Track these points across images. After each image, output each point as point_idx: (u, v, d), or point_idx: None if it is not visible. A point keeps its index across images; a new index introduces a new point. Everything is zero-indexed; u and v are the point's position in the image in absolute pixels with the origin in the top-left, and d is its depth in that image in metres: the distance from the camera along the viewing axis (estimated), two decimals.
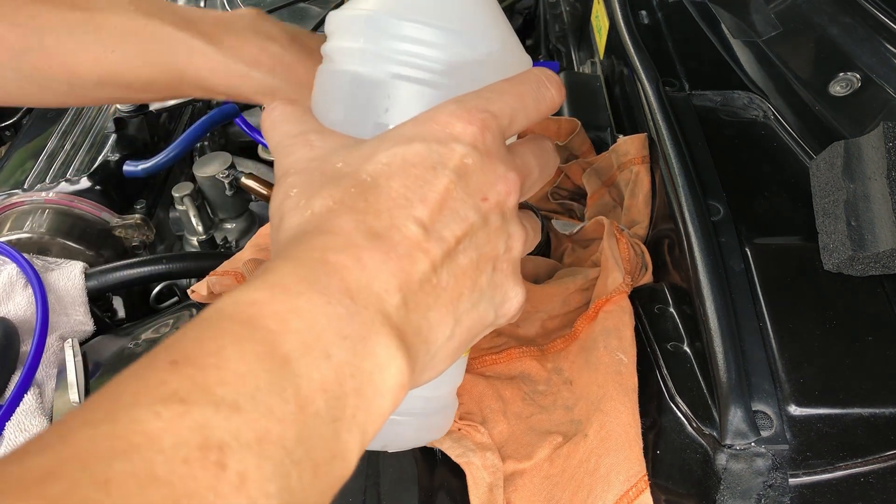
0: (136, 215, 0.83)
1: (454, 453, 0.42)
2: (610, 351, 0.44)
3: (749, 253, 0.44)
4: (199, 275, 0.77)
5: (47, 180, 0.85)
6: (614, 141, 0.59)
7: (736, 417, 0.37)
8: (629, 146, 0.57)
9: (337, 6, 0.75)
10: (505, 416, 0.44)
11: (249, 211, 0.93)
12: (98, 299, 0.69)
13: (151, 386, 0.21)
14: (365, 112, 0.34)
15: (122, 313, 0.79)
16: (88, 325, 0.63)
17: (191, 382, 0.21)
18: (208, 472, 0.19)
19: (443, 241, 0.29)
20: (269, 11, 1.06)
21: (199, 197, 0.87)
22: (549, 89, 0.34)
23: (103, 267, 0.68)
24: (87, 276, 0.66)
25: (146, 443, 0.19)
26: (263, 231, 0.63)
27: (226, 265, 0.57)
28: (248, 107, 0.97)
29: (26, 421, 0.51)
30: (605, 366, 0.43)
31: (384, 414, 0.26)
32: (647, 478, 0.39)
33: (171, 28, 0.45)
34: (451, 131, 0.30)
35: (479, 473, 0.41)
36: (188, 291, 0.58)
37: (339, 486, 0.25)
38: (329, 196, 0.29)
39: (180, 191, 0.85)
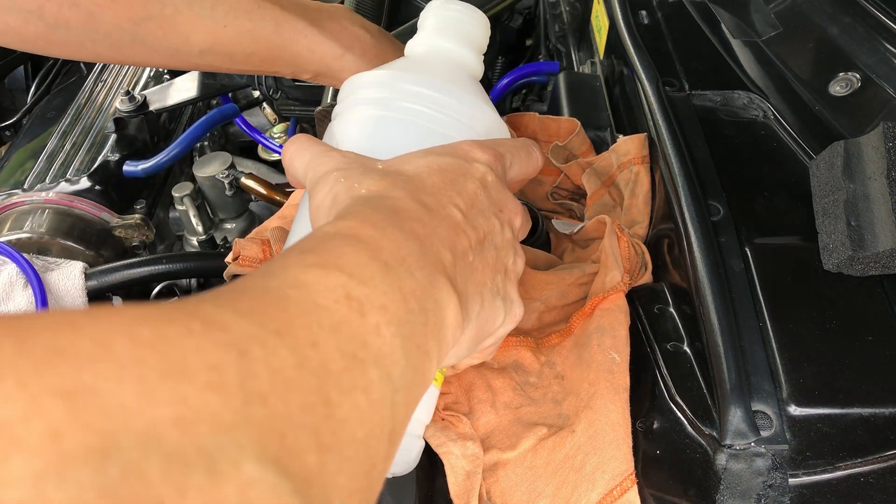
0: (136, 215, 0.83)
1: (435, 443, 0.42)
2: (603, 349, 0.44)
3: (749, 253, 0.44)
4: (199, 275, 0.77)
5: (47, 180, 0.85)
6: (614, 141, 0.59)
7: (736, 417, 0.37)
8: (629, 146, 0.57)
9: None
10: (493, 407, 0.44)
11: (249, 211, 0.93)
12: (98, 299, 0.69)
13: (290, 264, 0.25)
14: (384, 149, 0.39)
15: None
16: None
17: (323, 262, 0.25)
18: (353, 313, 0.23)
19: (475, 230, 0.33)
20: None
21: (199, 197, 0.87)
22: (536, 153, 0.42)
23: (103, 267, 0.68)
24: (87, 276, 0.66)
25: (306, 284, 0.23)
26: (291, 201, 0.64)
27: (253, 233, 0.58)
28: (247, 107, 0.97)
29: None
30: (598, 363, 0.43)
31: (447, 346, 0.29)
32: (634, 476, 0.39)
33: (282, 10, 0.51)
34: (473, 155, 0.36)
35: (458, 462, 0.41)
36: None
37: (421, 395, 0.28)
38: (378, 181, 0.32)
39: (180, 191, 0.85)
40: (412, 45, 0.47)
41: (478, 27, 0.47)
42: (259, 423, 0.17)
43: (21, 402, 0.13)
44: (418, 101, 0.41)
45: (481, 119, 0.43)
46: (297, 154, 0.37)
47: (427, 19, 0.47)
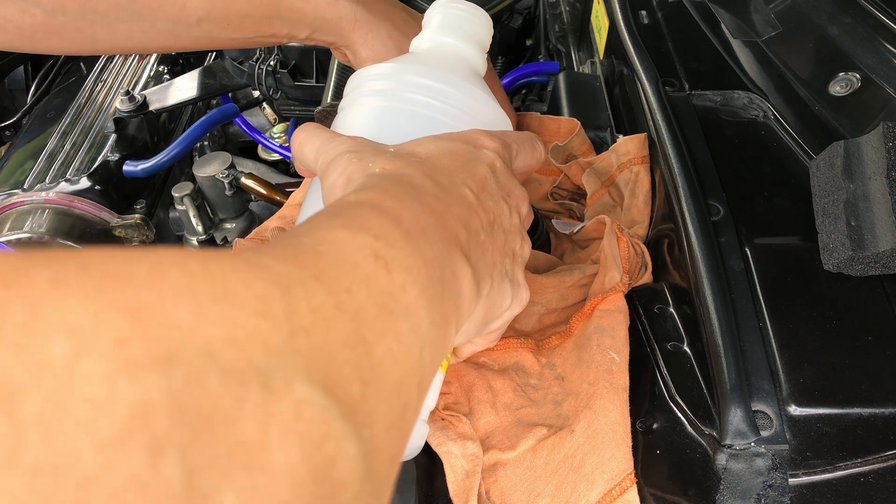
0: (136, 215, 0.83)
1: (435, 442, 0.42)
2: (603, 349, 0.44)
3: (749, 253, 0.44)
4: None
5: (47, 180, 0.85)
6: (614, 141, 0.59)
7: (736, 417, 0.37)
8: (629, 146, 0.57)
9: None
10: (493, 407, 0.44)
11: (249, 211, 0.93)
12: None
13: (319, 225, 0.26)
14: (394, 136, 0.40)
15: None
16: None
17: (350, 224, 0.26)
18: (381, 270, 0.24)
19: (486, 212, 0.33)
20: None
21: (198, 197, 0.87)
22: (540, 146, 0.42)
23: None
24: None
25: (336, 241, 0.24)
26: (291, 201, 0.64)
27: (253, 233, 0.58)
28: (247, 107, 0.97)
29: None
30: (597, 364, 0.43)
31: (462, 318, 0.30)
32: (633, 476, 0.39)
33: None
34: (482, 142, 0.37)
35: (457, 462, 0.41)
36: None
37: (442, 360, 0.29)
38: (392, 160, 0.33)
39: (180, 191, 0.85)
40: (417, 42, 0.48)
41: (481, 25, 0.48)
42: (305, 352, 0.18)
43: (88, 313, 0.14)
44: (425, 93, 0.42)
45: (486, 112, 0.44)
46: (308, 140, 0.37)
47: (432, 18, 0.48)
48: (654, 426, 0.42)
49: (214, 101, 1.01)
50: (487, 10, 0.49)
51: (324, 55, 0.84)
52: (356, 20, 0.53)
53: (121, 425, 0.13)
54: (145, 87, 0.99)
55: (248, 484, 0.14)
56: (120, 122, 0.91)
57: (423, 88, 0.42)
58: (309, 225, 0.26)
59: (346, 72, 0.73)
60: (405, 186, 0.30)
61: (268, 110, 1.03)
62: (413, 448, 0.40)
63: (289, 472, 0.15)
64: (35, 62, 1.18)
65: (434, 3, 0.49)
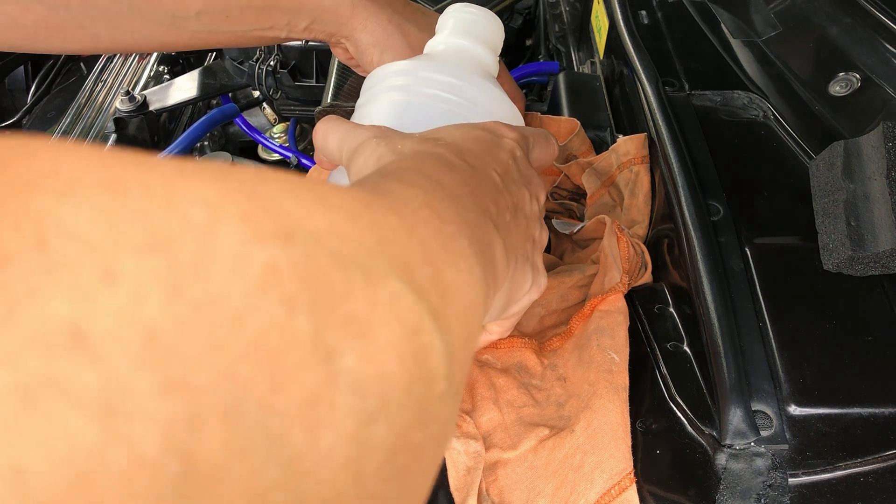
0: None
1: None
2: (602, 349, 0.44)
3: (749, 253, 0.44)
4: None
5: None
6: (614, 141, 0.59)
7: (736, 417, 0.37)
8: (629, 146, 0.57)
9: None
10: (496, 405, 0.44)
11: None
12: None
13: (371, 179, 0.27)
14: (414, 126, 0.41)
15: None
16: None
17: (400, 180, 0.26)
18: (435, 218, 0.24)
19: (511, 195, 0.34)
20: None
21: None
22: (553, 142, 0.43)
23: None
24: None
25: (392, 191, 0.25)
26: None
27: None
28: (247, 107, 0.97)
29: None
30: (597, 364, 0.43)
31: (496, 287, 0.30)
32: (632, 475, 0.39)
33: None
34: (502, 132, 0.38)
35: (460, 458, 0.42)
36: None
37: (485, 316, 0.29)
38: (419, 142, 0.33)
39: None
40: (432, 45, 0.50)
41: (493, 28, 0.50)
42: (392, 257, 0.19)
43: (214, 192, 0.15)
44: (443, 88, 0.43)
45: (500, 108, 0.45)
46: (331, 130, 0.38)
47: (446, 22, 0.50)
48: (654, 426, 0.42)
49: (214, 101, 1.01)
50: None
51: (324, 55, 0.84)
52: (354, 6, 0.53)
53: (258, 278, 0.14)
54: (145, 87, 0.99)
55: (364, 350, 0.16)
56: (120, 122, 0.91)
57: (441, 84, 0.43)
58: (363, 181, 0.27)
59: (346, 72, 0.73)
60: (439, 160, 0.31)
61: (268, 110, 1.03)
62: None
63: (395, 349, 0.17)
64: (35, 62, 1.18)
65: (448, 7, 0.51)
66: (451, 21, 0.50)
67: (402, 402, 0.16)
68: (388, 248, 0.19)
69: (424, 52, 0.50)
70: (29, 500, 0.10)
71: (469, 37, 0.49)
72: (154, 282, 0.12)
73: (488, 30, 0.50)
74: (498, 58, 0.51)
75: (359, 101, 0.48)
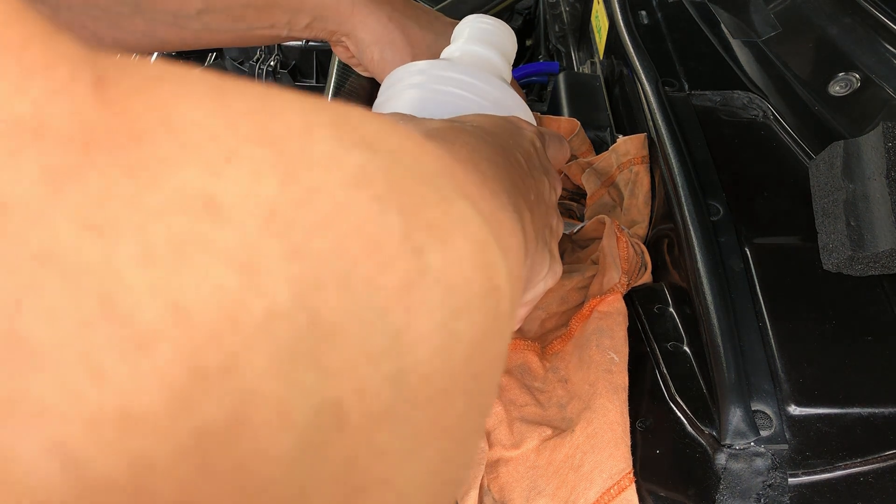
0: None
1: None
2: (602, 350, 0.44)
3: (749, 253, 0.44)
4: None
5: None
6: (614, 141, 0.59)
7: (735, 417, 0.37)
8: (629, 146, 0.57)
9: None
10: (500, 401, 0.44)
11: None
12: None
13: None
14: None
15: None
16: None
17: (442, 139, 0.27)
18: (478, 174, 0.25)
19: (534, 180, 0.34)
20: None
21: None
22: (566, 145, 0.44)
23: None
24: None
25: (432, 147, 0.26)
26: None
27: None
28: None
29: None
30: (597, 364, 0.43)
31: (525, 255, 0.31)
32: (632, 475, 0.39)
33: None
34: (521, 125, 0.38)
35: None
36: None
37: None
38: (445, 122, 0.33)
39: None
40: (448, 52, 0.52)
41: (507, 38, 0.54)
42: (456, 184, 0.20)
43: (305, 105, 0.16)
44: (460, 86, 0.45)
45: (516, 108, 0.46)
46: None
47: (462, 31, 0.53)
48: (654, 426, 0.42)
49: None
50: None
51: (324, 55, 0.84)
52: (354, 4, 0.54)
53: (352, 177, 0.15)
54: None
55: (446, 253, 0.17)
56: None
57: (460, 82, 0.45)
58: None
59: (346, 72, 0.73)
60: (471, 132, 0.31)
61: None
62: None
63: (470, 258, 0.18)
64: None
65: (464, 18, 0.54)
66: (468, 30, 0.52)
67: (481, 307, 0.18)
68: (451, 176, 0.20)
69: (441, 58, 0.52)
70: (189, 328, 0.11)
71: (485, 44, 0.51)
72: (268, 167, 0.14)
73: (503, 39, 0.53)
74: (510, 68, 0.53)
75: (376, 102, 0.49)
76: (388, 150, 0.17)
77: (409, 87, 0.46)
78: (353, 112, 0.18)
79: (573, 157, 0.63)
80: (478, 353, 0.18)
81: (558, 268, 0.38)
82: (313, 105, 0.16)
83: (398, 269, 0.15)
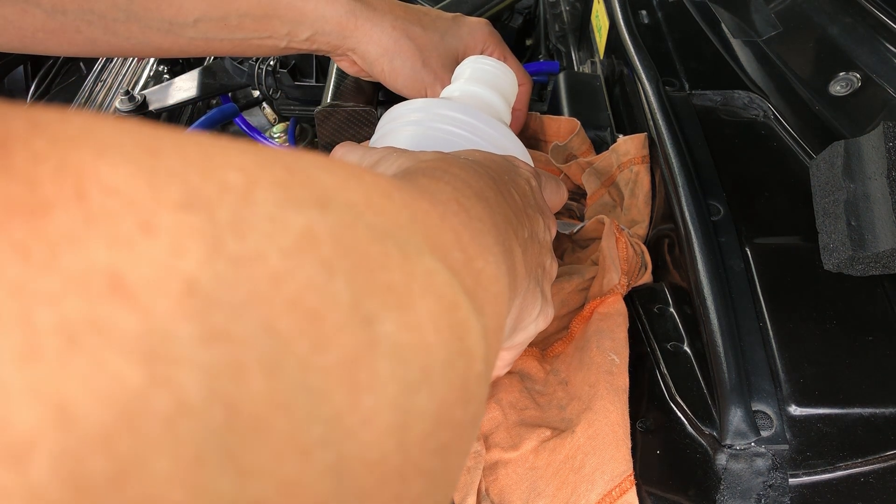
0: None
1: None
2: (602, 351, 0.44)
3: (749, 253, 0.44)
4: None
5: None
6: (614, 141, 0.59)
7: (736, 417, 0.37)
8: (629, 146, 0.57)
9: None
10: (498, 405, 0.44)
11: None
12: None
13: (404, 179, 0.27)
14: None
15: None
16: None
17: (432, 177, 0.27)
18: (464, 213, 0.25)
19: (528, 218, 0.34)
20: None
21: None
22: (564, 189, 0.43)
23: None
24: None
25: (422, 185, 0.26)
26: None
27: None
28: (247, 107, 0.96)
29: None
30: (597, 366, 0.43)
31: (516, 293, 0.30)
32: (633, 477, 0.39)
33: None
34: (518, 163, 0.38)
35: None
36: None
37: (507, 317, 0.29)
38: (440, 156, 0.33)
39: None
40: (448, 92, 0.53)
41: (508, 80, 0.54)
42: (426, 236, 0.19)
43: (250, 160, 0.15)
44: (457, 125, 0.45)
45: (512, 149, 0.47)
46: (348, 153, 0.38)
47: (463, 71, 0.54)
48: (655, 426, 0.42)
49: (214, 101, 1.01)
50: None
51: (324, 55, 0.84)
52: (357, 17, 0.53)
53: (296, 241, 0.14)
54: (145, 86, 0.99)
55: (402, 320, 0.16)
56: None
57: (457, 121, 0.45)
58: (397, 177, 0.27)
59: (346, 72, 0.73)
60: (465, 164, 0.31)
61: (268, 110, 1.03)
62: None
63: (434, 322, 0.17)
64: (35, 62, 1.18)
65: (466, 59, 0.55)
66: (469, 71, 0.53)
67: (444, 376, 0.17)
68: (422, 227, 0.19)
69: (441, 96, 0.52)
70: (74, 434, 0.10)
71: (485, 85, 0.52)
72: (192, 237, 0.12)
73: (503, 81, 0.53)
74: (510, 110, 0.54)
75: (372, 139, 0.49)
76: (345, 204, 0.16)
77: (407, 124, 0.46)
78: (309, 164, 0.17)
79: (573, 157, 0.63)
80: (441, 427, 0.16)
81: (550, 310, 0.37)
82: (260, 160, 0.15)
83: (341, 344, 0.14)
